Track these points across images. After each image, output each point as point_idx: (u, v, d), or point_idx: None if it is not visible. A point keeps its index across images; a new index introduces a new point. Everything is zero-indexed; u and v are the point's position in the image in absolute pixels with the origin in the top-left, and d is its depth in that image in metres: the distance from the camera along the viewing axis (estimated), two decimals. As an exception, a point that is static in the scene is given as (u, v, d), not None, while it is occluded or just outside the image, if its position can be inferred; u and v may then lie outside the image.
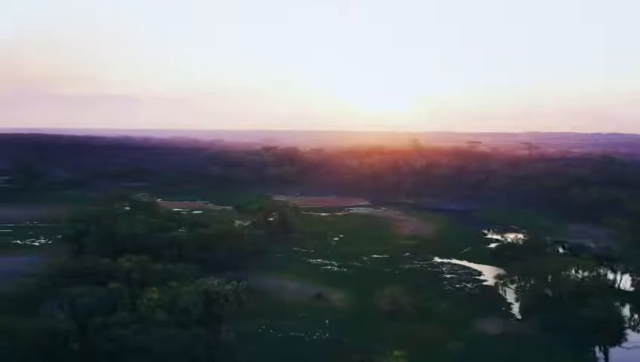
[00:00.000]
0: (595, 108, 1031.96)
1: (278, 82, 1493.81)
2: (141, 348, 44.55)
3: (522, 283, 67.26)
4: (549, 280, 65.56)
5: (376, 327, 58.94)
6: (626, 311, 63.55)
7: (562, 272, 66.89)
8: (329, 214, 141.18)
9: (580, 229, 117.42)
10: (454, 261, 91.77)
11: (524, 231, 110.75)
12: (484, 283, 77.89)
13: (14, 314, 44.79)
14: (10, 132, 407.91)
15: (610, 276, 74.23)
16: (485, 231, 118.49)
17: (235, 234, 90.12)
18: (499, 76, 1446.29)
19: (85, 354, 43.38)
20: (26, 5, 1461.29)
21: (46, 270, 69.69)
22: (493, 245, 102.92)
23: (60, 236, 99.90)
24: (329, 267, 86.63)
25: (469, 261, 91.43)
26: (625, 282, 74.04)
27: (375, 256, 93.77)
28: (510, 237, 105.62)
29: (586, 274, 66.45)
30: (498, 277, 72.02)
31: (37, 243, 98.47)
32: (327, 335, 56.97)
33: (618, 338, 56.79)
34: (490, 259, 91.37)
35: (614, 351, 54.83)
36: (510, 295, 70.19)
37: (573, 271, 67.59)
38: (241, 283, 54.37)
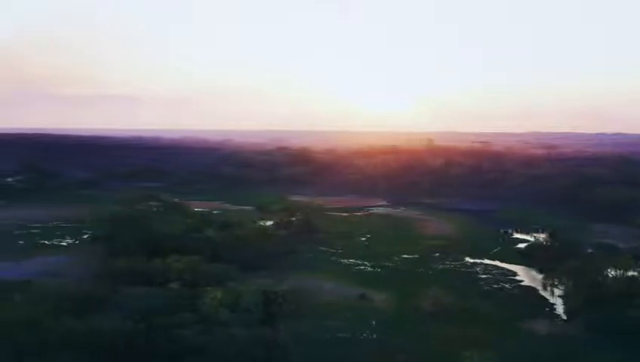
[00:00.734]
0: (596, 109, 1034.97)
1: (278, 82, 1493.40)
2: (201, 348, 44.20)
3: (566, 284, 66.86)
4: (593, 281, 65.18)
5: (421, 328, 58.59)
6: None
7: (604, 272, 66.60)
8: (349, 214, 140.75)
9: (600, 229, 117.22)
10: (486, 261, 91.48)
11: (546, 231, 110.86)
12: (522, 284, 77.56)
13: (76, 315, 44.27)
14: (11, 132, 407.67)
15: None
16: (509, 231, 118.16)
17: (266, 234, 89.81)
18: (499, 76, 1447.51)
19: (147, 354, 43.00)
20: (26, 5, 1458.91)
21: (91, 270, 69.13)
22: (521, 245, 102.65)
23: (87, 236, 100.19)
24: (362, 267, 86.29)
25: (501, 261, 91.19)
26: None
27: (405, 256, 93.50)
28: (537, 237, 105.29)
29: (630, 273, 66.04)
30: (543, 277, 71.68)
31: (64, 243, 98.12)
32: (373, 336, 56.61)
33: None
34: (520, 259, 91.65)
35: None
36: (552, 295, 69.86)
37: (614, 272, 67.30)
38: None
